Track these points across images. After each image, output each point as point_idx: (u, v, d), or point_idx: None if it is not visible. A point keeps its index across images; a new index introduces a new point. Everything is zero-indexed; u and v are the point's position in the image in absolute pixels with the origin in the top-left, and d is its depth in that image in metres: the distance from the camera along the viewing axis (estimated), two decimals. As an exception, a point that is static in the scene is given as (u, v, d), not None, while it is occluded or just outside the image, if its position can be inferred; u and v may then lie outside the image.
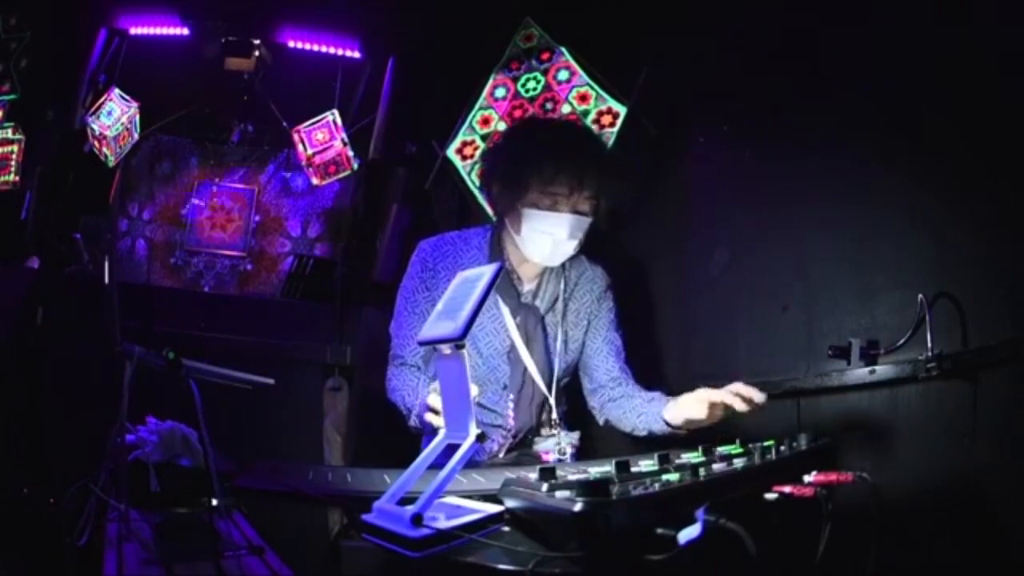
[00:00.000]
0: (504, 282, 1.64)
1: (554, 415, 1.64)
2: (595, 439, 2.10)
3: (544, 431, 1.65)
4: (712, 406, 1.36)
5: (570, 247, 1.56)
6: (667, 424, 1.47)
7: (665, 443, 1.57)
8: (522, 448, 1.67)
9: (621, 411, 1.63)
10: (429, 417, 1.37)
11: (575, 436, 1.64)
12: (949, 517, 1.35)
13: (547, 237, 1.53)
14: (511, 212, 1.58)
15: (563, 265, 1.69)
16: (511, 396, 1.64)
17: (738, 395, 1.33)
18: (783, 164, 1.93)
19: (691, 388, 1.64)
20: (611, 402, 1.68)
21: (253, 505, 1.09)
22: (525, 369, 1.63)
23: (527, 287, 1.70)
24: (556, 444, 1.60)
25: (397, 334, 1.71)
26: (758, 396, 1.33)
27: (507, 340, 1.65)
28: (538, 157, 1.51)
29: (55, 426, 2.26)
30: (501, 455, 1.66)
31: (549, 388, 1.64)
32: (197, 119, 4.45)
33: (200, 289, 4.54)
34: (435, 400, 1.34)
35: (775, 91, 1.96)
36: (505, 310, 1.64)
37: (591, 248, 1.77)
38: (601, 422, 1.74)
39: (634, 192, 1.69)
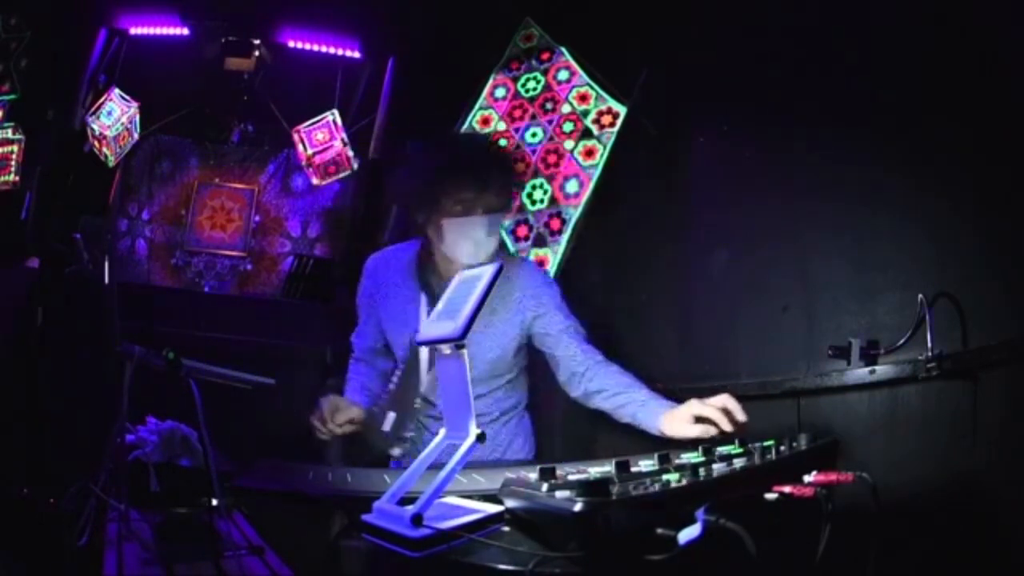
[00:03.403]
0: (426, 277, 1.77)
1: (416, 402, 1.71)
2: (595, 439, 2.10)
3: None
4: (699, 420, 1.40)
5: (491, 244, 1.67)
6: (663, 434, 1.51)
7: (665, 443, 1.58)
8: None
9: (611, 407, 1.66)
10: (315, 415, 1.60)
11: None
12: (949, 517, 1.35)
13: (468, 240, 1.64)
14: (430, 226, 1.69)
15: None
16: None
17: (724, 410, 1.37)
18: (783, 164, 1.93)
19: (691, 389, 1.64)
20: (597, 394, 1.69)
21: (253, 505, 1.09)
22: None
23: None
24: None
25: (354, 332, 1.91)
26: (740, 415, 1.38)
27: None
28: (443, 174, 1.65)
29: (55, 426, 2.26)
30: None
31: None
32: (197, 119, 4.45)
33: (200, 289, 4.53)
34: (331, 402, 1.61)
35: (775, 91, 1.97)
36: (429, 308, 1.74)
37: (593, 244, 1.78)
38: (592, 407, 1.75)
39: (520, 178, 1.84)
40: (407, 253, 1.83)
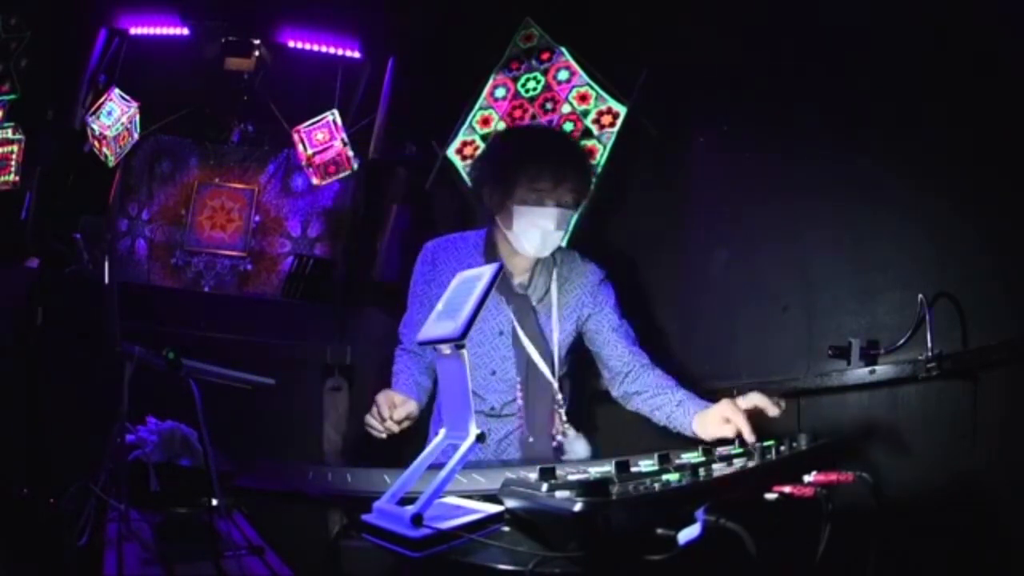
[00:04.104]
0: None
1: (558, 396, 1.69)
2: (596, 439, 2.09)
3: (557, 423, 1.69)
4: (728, 420, 1.41)
5: (558, 237, 1.69)
6: (696, 435, 1.52)
7: (666, 443, 1.58)
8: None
9: (648, 409, 1.68)
10: (372, 412, 1.53)
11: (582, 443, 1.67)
12: (949, 517, 1.35)
13: (536, 230, 1.65)
14: (502, 211, 1.70)
15: (553, 260, 1.78)
16: (519, 380, 1.71)
17: (754, 408, 1.39)
18: (783, 164, 1.93)
19: (691, 387, 1.65)
20: (637, 395, 1.71)
21: (253, 505, 1.09)
22: (528, 357, 1.71)
23: (518, 280, 1.78)
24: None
25: (403, 322, 1.87)
26: (772, 411, 1.39)
27: (495, 326, 1.74)
28: (523, 159, 1.67)
29: (55, 426, 2.26)
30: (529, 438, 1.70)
31: (552, 371, 1.72)
32: (197, 119, 4.44)
33: (200, 289, 4.53)
34: (388, 397, 1.54)
35: (775, 91, 1.97)
36: (501, 297, 1.74)
37: (593, 244, 1.78)
38: (630, 408, 1.76)
39: (593, 181, 1.86)
40: (470, 241, 1.83)
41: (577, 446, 1.65)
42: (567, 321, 1.76)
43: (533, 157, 1.66)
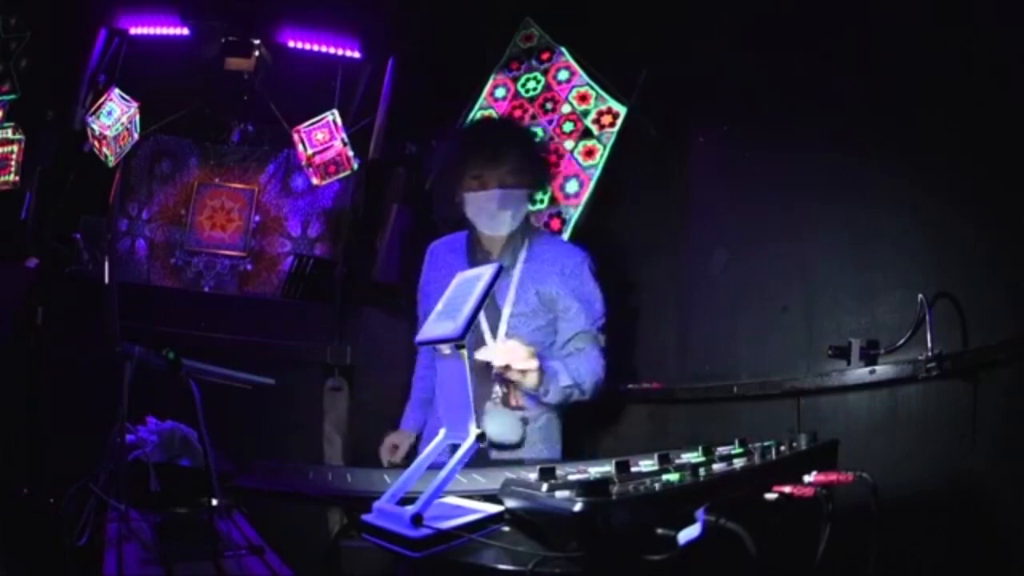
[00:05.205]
0: (475, 251, 1.88)
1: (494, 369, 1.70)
2: (595, 439, 2.10)
3: (494, 397, 1.71)
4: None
5: (506, 216, 1.78)
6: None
7: (665, 443, 1.57)
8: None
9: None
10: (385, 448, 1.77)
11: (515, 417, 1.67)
12: (949, 517, 1.35)
13: (483, 212, 1.78)
14: (458, 202, 1.83)
15: (523, 238, 1.85)
16: None
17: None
18: (783, 164, 1.93)
19: (691, 387, 1.65)
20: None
21: (253, 505, 1.09)
22: (479, 326, 1.76)
23: (494, 256, 1.87)
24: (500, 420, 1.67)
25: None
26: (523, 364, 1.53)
27: None
28: (458, 154, 1.82)
29: (55, 426, 2.26)
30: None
31: (494, 335, 1.76)
32: (197, 119, 4.43)
33: (200, 289, 4.53)
34: (389, 442, 1.79)
35: (775, 91, 1.97)
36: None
37: (593, 244, 1.80)
38: None
39: (543, 159, 1.94)
40: (462, 236, 1.94)
41: (491, 424, 1.66)
42: (526, 293, 1.79)
43: (465, 149, 1.81)
